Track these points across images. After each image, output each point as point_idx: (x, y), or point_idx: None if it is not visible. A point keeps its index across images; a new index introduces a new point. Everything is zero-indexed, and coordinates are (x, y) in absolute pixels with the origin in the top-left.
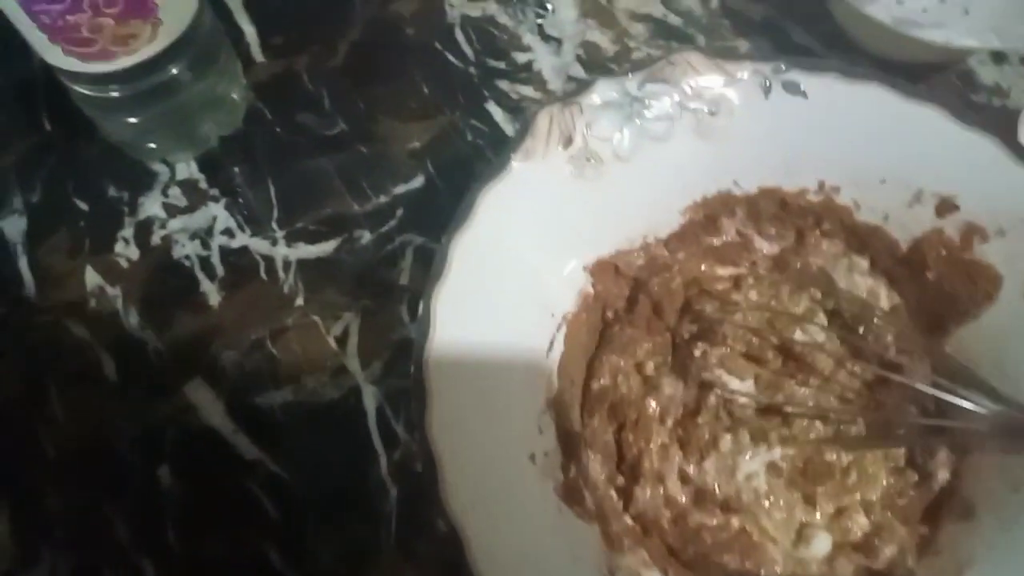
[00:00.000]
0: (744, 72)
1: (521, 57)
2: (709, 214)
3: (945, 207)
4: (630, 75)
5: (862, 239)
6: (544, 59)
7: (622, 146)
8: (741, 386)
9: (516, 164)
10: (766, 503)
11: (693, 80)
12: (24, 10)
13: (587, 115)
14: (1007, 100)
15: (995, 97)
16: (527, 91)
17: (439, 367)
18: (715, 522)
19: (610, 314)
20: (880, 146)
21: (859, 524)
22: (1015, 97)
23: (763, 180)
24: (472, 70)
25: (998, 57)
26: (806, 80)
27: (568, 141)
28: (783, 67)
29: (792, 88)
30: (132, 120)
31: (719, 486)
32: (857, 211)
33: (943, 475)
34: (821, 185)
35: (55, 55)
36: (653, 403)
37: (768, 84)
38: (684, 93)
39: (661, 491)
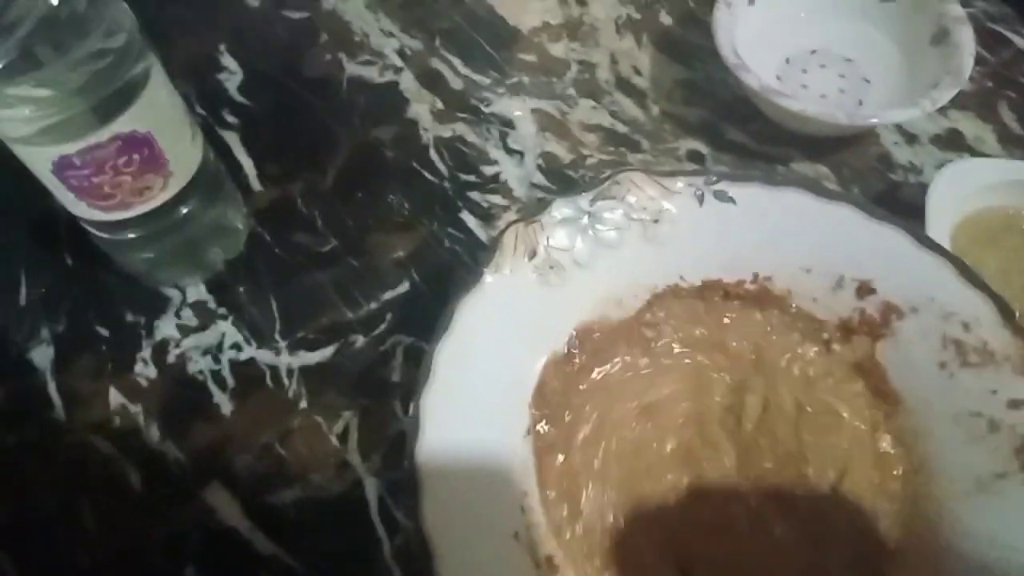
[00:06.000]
0: (679, 185)
1: (489, 170)
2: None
3: (864, 290)
4: (582, 194)
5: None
6: (509, 170)
7: (580, 254)
8: None
9: (488, 278)
10: None
11: (636, 195)
12: (56, 176)
13: (547, 230)
14: (920, 177)
15: (911, 175)
16: (496, 199)
17: (429, 461)
18: None
19: None
20: (802, 241)
21: None
22: (927, 174)
23: (705, 275)
24: (447, 184)
25: (910, 138)
26: (733, 189)
27: (532, 254)
28: (713, 179)
29: (722, 196)
30: (147, 255)
31: None
32: (790, 297)
33: None
34: (755, 276)
35: (81, 209)
36: None
37: (701, 194)
38: (630, 206)
39: None
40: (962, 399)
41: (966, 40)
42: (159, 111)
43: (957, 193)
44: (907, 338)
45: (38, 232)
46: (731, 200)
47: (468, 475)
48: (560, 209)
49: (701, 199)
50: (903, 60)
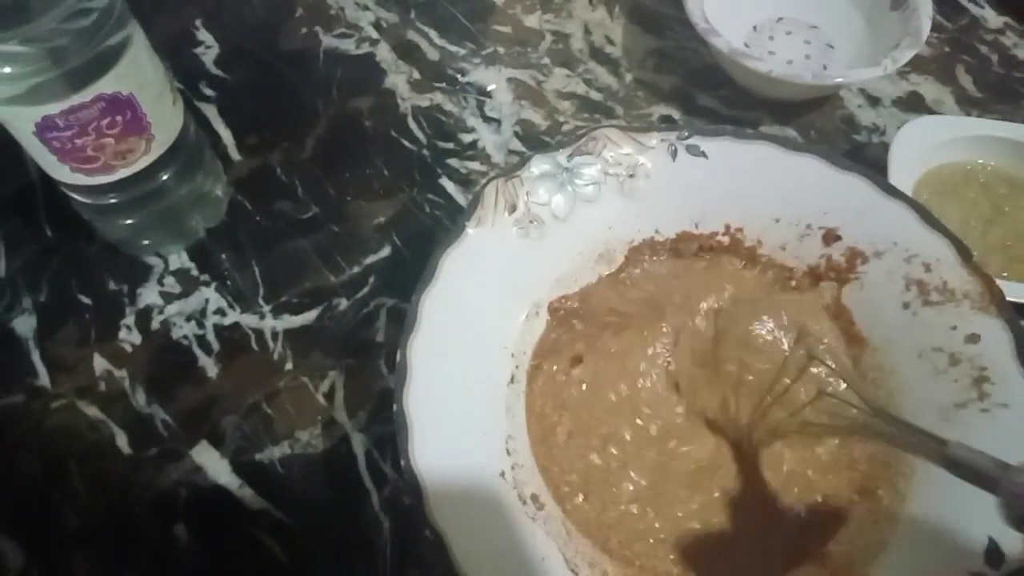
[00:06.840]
0: (653, 141)
1: (467, 137)
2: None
3: (831, 237)
4: (560, 150)
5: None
6: (487, 137)
7: (559, 209)
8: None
9: (470, 230)
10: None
11: (612, 150)
12: (39, 138)
13: (527, 185)
14: (884, 137)
15: (874, 135)
16: (474, 166)
17: (417, 405)
18: None
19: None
20: (771, 192)
21: None
22: (890, 134)
23: (680, 227)
24: (425, 152)
25: (873, 101)
26: (705, 143)
27: (513, 208)
28: (686, 134)
29: (694, 150)
30: (128, 221)
31: None
32: (760, 247)
33: None
34: (727, 228)
35: (63, 173)
36: None
37: (674, 149)
38: (606, 162)
39: None
40: (925, 336)
41: (923, 3)
42: (141, 74)
43: (918, 149)
44: (872, 281)
45: (16, 205)
46: (703, 154)
47: (454, 418)
48: (539, 165)
49: (674, 154)
50: (865, 25)
